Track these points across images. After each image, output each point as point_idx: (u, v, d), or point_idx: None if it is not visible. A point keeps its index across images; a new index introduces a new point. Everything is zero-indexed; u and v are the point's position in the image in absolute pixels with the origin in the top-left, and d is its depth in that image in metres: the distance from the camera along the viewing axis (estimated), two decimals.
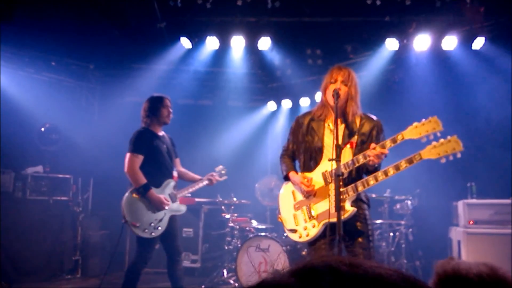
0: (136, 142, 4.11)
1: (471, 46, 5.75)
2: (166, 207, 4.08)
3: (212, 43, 6.30)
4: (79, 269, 6.54)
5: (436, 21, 5.68)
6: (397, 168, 2.78)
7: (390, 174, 2.80)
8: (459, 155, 2.66)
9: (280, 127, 8.42)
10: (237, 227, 5.90)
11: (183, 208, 4.34)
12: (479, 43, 5.68)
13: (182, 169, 4.60)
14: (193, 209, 6.84)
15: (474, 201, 5.34)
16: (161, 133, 4.34)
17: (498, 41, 5.81)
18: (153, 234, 3.99)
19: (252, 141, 7.80)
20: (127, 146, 4.15)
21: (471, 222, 5.21)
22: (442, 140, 2.70)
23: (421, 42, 5.85)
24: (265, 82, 7.92)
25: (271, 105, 7.99)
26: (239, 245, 5.46)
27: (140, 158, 4.07)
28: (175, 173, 4.38)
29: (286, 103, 7.89)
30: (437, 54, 6.11)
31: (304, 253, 5.26)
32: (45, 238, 6.13)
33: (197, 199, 6.79)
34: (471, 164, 6.03)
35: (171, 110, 4.33)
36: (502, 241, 4.99)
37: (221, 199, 6.09)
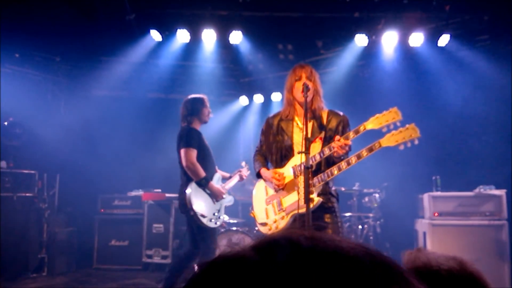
0: (188, 137, 4.30)
1: (437, 43, 5.92)
2: (224, 196, 4.41)
3: (182, 36, 6.21)
4: (45, 267, 6.34)
5: (404, 18, 5.81)
6: (358, 156, 2.84)
7: (352, 163, 2.87)
8: (416, 142, 2.74)
9: (252, 122, 8.43)
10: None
11: (232, 199, 4.65)
12: (444, 40, 5.85)
13: None
14: (164, 205, 6.77)
15: (439, 193, 5.50)
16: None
17: (462, 38, 6.02)
18: (217, 223, 4.32)
19: (224, 136, 7.77)
20: (178, 144, 4.33)
21: (436, 214, 5.37)
22: (400, 128, 2.77)
23: (389, 38, 5.98)
24: (237, 77, 7.91)
25: (243, 100, 7.99)
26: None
27: (195, 152, 4.24)
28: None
29: (258, 98, 7.91)
30: (405, 50, 6.26)
31: None
32: (9, 235, 5.90)
33: (167, 195, 6.72)
34: (436, 158, 6.22)
35: (210, 110, 4.57)
36: (465, 232, 5.17)
37: None
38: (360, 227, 6.12)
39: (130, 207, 7.01)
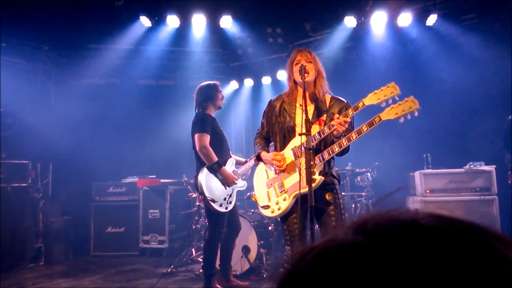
0: (201, 122, 4.35)
1: (425, 22, 5.97)
2: (236, 182, 4.43)
3: (172, 21, 6.19)
4: (42, 256, 6.38)
5: None
6: (359, 132, 2.84)
7: (353, 139, 2.87)
8: (416, 114, 2.72)
9: (243, 106, 8.46)
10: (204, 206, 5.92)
11: (245, 184, 4.66)
12: (432, 19, 5.90)
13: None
14: (159, 190, 6.81)
15: (430, 171, 5.61)
16: (214, 116, 4.62)
17: (449, 18, 6.08)
18: (227, 208, 4.36)
19: None
20: (192, 129, 4.36)
21: (428, 191, 5.49)
22: (399, 101, 2.74)
23: (378, 19, 6.01)
24: (227, 61, 7.91)
25: (234, 84, 8.01)
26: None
27: (208, 137, 4.32)
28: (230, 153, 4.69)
29: (248, 82, 7.94)
30: (394, 31, 6.31)
31: (270, 228, 5.39)
32: (5, 226, 5.90)
33: (162, 180, 6.76)
34: (426, 136, 6.33)
35: (223, 95, 4.67)
36: (457, 207, 5.30)
37: (186, 179, 6.09)
38: (353, 206, 6.23)
39: (125, 194, 7.05)
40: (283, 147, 3.25)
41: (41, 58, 7.17)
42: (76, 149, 6.95)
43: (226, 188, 4.37)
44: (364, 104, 2.85)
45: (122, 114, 7.31)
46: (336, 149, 2.96)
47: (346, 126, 2.89)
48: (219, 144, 4.44)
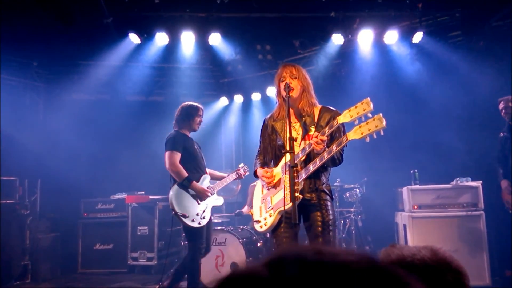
0: (172, 141, 4.48)
1: (411, 40, 6.06)
2: (210, 195, 4.49)
3: (161, 38, 6.23)
4: (29, 274, 6.28)
5: (378, 16, 5.93)
6: (329, 152, 2.90)
7: (325, 158, 2.92)
8: (382, 133, 2.67)
9: (233, 122, 8.49)
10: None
11: (221, 200, 4.73)
12: (418, 37, 5.99)
13: (208, 170, 4.90)
14: (148, 207, 6.78)
15: (417, 187, 5.64)
16: (190, 136, 4.72)
17: (435, 35, 6.17)
18: (200, 223, 4.36)
19: (205, 137, 7.75)
20: (163, 148, 4.48)
21: (415, 207, 5.51)
22: (368, 119, 2.69)
23: (365, 36, 6.09)
24: (217, 78, 7.96)
25: (223, 100, 8.05)
26: (187, 241, 5.47)
27: (178, 156, 4.42)
28: (207, 170, 4.74)
29: (238, 98, 7.98)
30: (380, 48, 6.39)
31: (259, 244, 5.38)
32: None
33: (151, 197, 6.74)
34: (413, 152, 6.37)
35: (202, 120, 4.73)
36: (444, 223, 5.33)
37: None
38: (342, 222, 6.24)
39: (114, 210, 7.00)
40: (276, 164, 3.32)
41: (31, 74, 7.15)
42: (64, 165, 6.90)
43: (199, 203, 4.41)
44: (338, 122, 2.89)
45: (111, 130, 7.30)
46: (311, 168, 3.02)
47: (324, 144, 2.92)
48: (192, 161, 4.53)
